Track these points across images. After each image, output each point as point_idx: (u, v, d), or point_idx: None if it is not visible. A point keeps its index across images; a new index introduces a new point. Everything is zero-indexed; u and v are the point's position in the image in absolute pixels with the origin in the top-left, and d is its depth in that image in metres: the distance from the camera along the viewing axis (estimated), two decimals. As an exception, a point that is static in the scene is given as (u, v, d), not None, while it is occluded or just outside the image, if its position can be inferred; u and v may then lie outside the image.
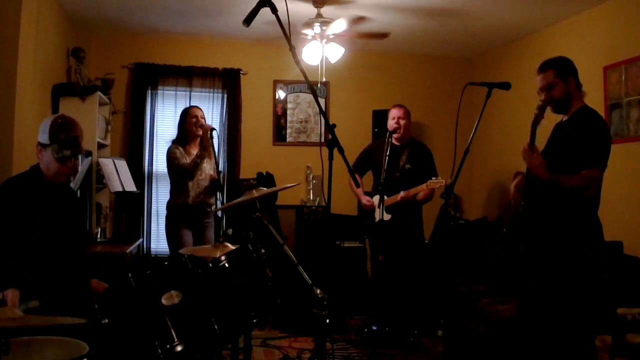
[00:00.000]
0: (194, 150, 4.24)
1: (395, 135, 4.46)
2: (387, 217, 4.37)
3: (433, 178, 4.30)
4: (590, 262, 2.79)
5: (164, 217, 4.36)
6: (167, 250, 4.46)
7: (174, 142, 4.29)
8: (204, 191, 4.25)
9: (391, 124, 4.48)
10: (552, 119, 3.03)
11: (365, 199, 4.56)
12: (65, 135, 2.47)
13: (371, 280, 4.85)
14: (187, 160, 4.17)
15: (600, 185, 2.80)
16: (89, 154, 4.59)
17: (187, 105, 5.59)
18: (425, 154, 4.61)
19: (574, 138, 2.80)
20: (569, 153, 2.79)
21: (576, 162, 2.75)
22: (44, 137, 2.48)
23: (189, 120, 4.26)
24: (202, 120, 4.28)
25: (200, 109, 4.36)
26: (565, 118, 2.93)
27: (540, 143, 3.00)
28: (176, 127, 4.38)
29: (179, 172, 4.18)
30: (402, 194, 4.38)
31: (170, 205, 4.30)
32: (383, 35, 4.74)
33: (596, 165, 2.74)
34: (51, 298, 2.36)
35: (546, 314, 2.80)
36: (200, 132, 4.22)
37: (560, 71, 2.87)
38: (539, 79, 2.93)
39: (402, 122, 4.47)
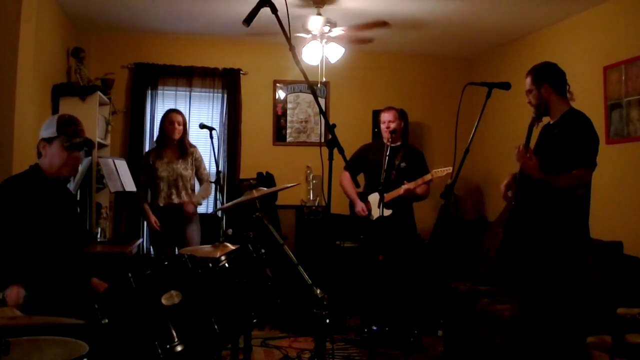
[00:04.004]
0: (172, 154, 4.42)
1: (393, 136, 4.47)
2: (387, 212, 4.38)
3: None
4: (580, 261, 2.86)
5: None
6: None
7: (156, 141, 4.53)
8: (174, 192, 4.39)
9: (382, 128, 4.53)
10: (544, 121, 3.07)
11: (360, 206, 4.55)
12: (73, 127, 2.49)
13: (368, 280, 4.84)
14: (160, 166, 4.38)
15: (589, 185, 2.88)
16: (88, 154, 4.59)
17: (186, 106, 5.70)
18: (418, 155, 4.69)
19: (562, 140, 2.87)
20: (558, 155, 2.86)
21: (566, 164, 2.82)
22: (49, 132, 2.47)
23: (166, 125, 4.42)
24: (180, 127, 4.40)
25: (181, 114, 4.49)
26: (551, 121, 3.00)
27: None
28: None
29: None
30: (405, 185, 4.39)
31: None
32: (383, 24, 4.67)
33: (586, 165, 2.83)
34: (52, 297, 2.36)
35: (541, 313, 2.85)
36: (177, 137, 4.38)
37: (535, 78, 2.97)
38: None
39: (392, 125, 4.48)
